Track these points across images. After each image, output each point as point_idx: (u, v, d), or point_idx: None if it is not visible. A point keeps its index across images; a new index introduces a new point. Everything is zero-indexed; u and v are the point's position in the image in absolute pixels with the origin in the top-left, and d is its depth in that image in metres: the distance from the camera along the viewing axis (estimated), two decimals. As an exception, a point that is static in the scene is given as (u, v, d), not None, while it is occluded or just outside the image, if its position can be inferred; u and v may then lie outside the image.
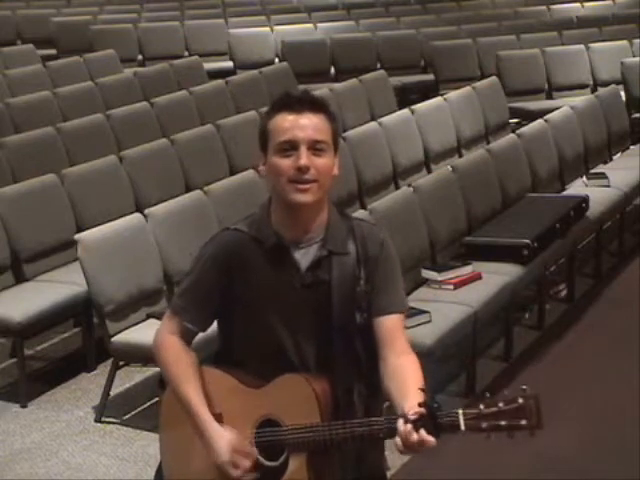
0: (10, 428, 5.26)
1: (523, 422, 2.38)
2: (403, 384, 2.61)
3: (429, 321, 5.09)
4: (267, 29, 12.30)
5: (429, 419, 2.42)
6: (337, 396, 2.69)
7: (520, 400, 2.39)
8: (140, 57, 11.98)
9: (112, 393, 5.36)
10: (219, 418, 2.75)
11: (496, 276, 5.74)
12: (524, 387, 2.42)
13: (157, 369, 5.54)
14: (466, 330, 5.33)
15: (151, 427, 5.15)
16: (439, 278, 5.60)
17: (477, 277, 5.69)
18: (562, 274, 6.83)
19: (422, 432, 2.42)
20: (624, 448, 4.78)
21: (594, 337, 6.12)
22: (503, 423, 2.39)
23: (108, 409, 5.31)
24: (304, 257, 2.73)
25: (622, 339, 6.00)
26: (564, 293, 6.76)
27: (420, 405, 2.45)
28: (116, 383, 5.38)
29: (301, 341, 2.73)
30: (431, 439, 2.43)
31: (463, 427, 2.41)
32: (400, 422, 2.46)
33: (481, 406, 2.41)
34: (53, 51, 12.09)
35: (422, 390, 2.53)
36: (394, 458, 2.91)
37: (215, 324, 2.88)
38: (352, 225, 2.79)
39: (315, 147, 2.65)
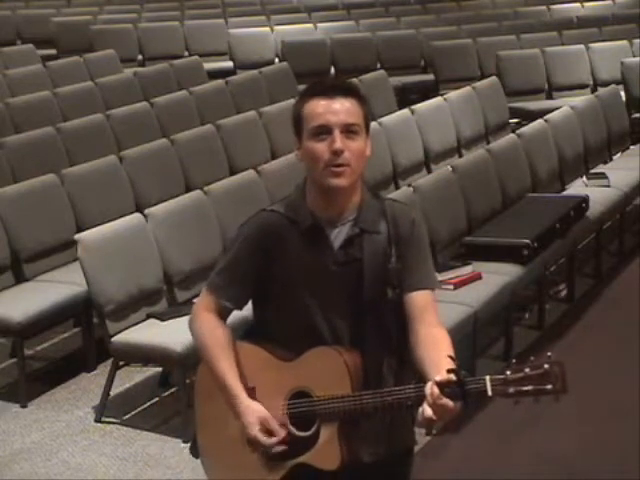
0: (10, 428, 5.26)
1: (549, 387, 2.46)
2: (434, 353, 2.67)
3: (429, 321, 5.08)
4: (267, 29, 12.29)
5: (458, 385, 2.48)
6: (367, 369, 2.75)
7: (546, 366, 2.48)
8: (140, 57, 11.97)
9: (112, 393, 5.36)
10: (252, 391, 2.82)
11: (496, 276, 5.74)
12: (549, 354, 2.50)
13: (157, 369, 5.62)
14: (466, 330, 5.33)
15: (151, 427, 5.17)
16: (439, 278, 5.57)
17: (477, 277, 5.69)
18: (562, 274, 6.83)
19: (447, 399, 2.48)
20: (624, 448, 4.78)
21: (594, 337, 6.12)
22: (529, 388, 2.46)
23: (108, 409, 5.31)
24: (337, 236, 2.80)
25: (622, 339, 5.99)
26: (564, 293, 6.76)
27: (449, 372, 2.50)
28: (116, 383, 5.37)
29: (334, 319, 2.78)
30: (452, 404, 2.48)
31: (490, 393, 2.47)
32: (428, 386, 2.52)
33: (507, 372, 2.48)
34: (53, 51, 12.08)
35: (452, 358, 2.58)
36: (419, 435, 2.94)
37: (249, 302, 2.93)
38: (384, 205, 2.85)
39: (348, 130, 2.72)
